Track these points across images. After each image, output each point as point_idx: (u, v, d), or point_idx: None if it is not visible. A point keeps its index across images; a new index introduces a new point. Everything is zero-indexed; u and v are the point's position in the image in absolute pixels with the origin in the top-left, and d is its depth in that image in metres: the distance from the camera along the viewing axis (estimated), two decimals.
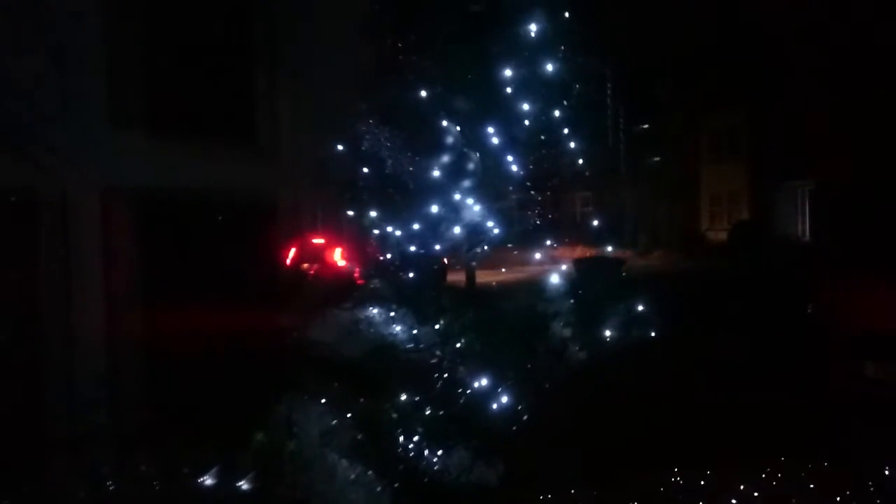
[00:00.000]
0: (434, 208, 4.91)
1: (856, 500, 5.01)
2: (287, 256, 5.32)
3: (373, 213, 5.00)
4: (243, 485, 4.24)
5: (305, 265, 5.17)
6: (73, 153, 4.74)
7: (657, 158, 8.21)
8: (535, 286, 5.11)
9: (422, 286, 4.94)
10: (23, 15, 4.62)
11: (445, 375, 4.54)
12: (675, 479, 5.37)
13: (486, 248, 5.04)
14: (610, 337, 5.14)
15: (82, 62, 4.79)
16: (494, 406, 4.65)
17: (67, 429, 4.71)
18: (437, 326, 4.76)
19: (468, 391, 4.57)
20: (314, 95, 5.60)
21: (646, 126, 7.94)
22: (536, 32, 5.11)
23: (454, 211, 4.94)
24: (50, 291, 4.83)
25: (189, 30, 5.50)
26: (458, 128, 5.01)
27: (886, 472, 5.38)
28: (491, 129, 5.02)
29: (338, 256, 5.13)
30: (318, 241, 5.23)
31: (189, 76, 5.51)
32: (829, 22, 10.20)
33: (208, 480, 4.23)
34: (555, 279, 5.04)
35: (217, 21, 5.67)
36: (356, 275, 5.09)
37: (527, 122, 5.12)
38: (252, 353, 4.87)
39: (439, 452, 4.43)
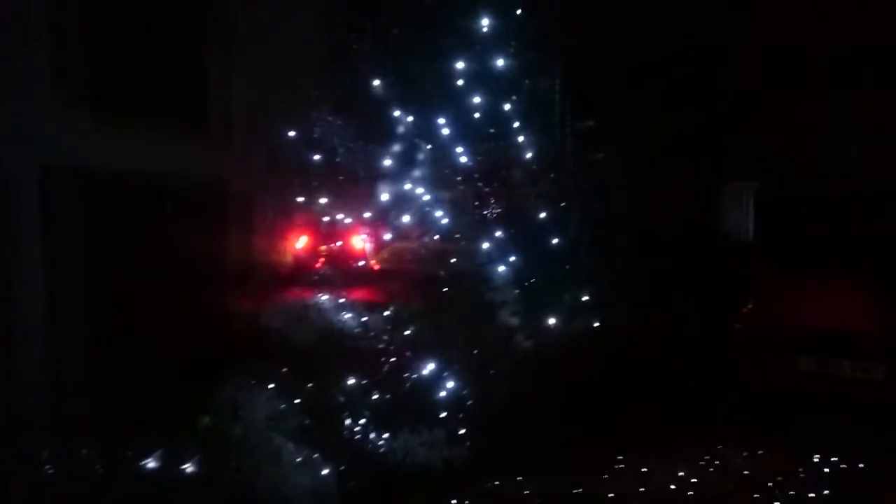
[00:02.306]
0: (384, 196, 4.96)
1: (787, 485, 5.20)
2: (296, 242, 5.31)
3: (322, 200, 5.02)
4: (188, 468, 4.19)
5: (322, 248, 5.15)
6: (13, 130, 4.62)
7: (601, 155, 8.37)
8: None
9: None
10: None
11: (392, 361, 4.58)
12: (618, 465, 5.48)
13: (434, 237, 5.10)
14: (554, 325, 5.26)
15: (26, 38, 4.68)
16: (441, 392, 4.71)
17: (7, 413, 4.60)
18: (385, 314, 4.81)
19: (415, 376, 4.62)
20: (267, 82, 5.58)
21: (592, 123, 8.08)
22: (488, 27, 5.20)
23: (404, 199, 4.99)
24: None
25: (140, 9, 5.43)
26: (410, 118, 5.07)
27: (816, 459, 5.59)
28: (442, 121, 5.09)
29: (356, 242, 5.15)
30: (338, 227, 5.25)
31: (138, 58, 5.41)
32: (774, 31, 10.52)
33: (152, 464, 4.17)
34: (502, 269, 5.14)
35: (170, 2, 5.60)
36: (371, 260, 5.12)
37: (476, 115, 5.20)
38: (199, 337, 4.82)
39: (385, 436, 4.46)
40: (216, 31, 5.80)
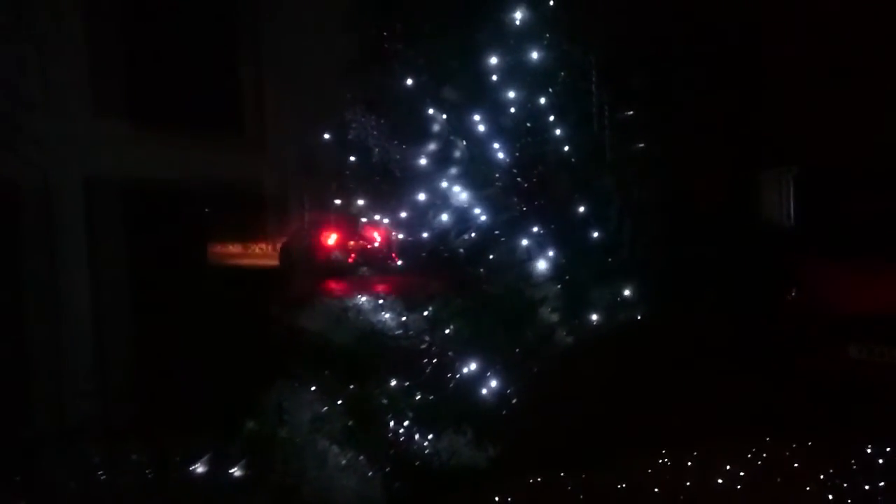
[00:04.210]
0: (421, 196, 4.95)
1: (839, 478, 5.10)
2: (326, 238, 5.39)
3: (360, 202, 5.04)
4: (235, 472, 4.25)
5: (351, 243, 5.24)
6: (56, 142, 4.71)
7: (641, 145, 8.26)
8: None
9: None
10: (4, 3, 4.58)
11: (434, 361, 4.58)
12: (663, 459, 5.43)
13: (472, 234, 5.07)
14: (597, 320, 5.21)
15: (64, 50, 4.76)
16: (483, 390, 4.70)
17: (58, 420, 4.72)
18: (425, 313, 4.80)
19: (457, 376, 4.62)
20: (300, 85, 5.60)
21: (630, 113, 7.97)
22: (521, 20, 5.14)
23: (441, 198, 4.97)
24: (36, 282, 4.81)
25: (173, 18, 5.48)
26: (444, 116, 5.04)
27: (869, 450, 5.47)
28: (477, 117, 5.05)
29: (375, 235, 5.22)
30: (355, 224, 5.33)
31: (172, 65, 5.48)
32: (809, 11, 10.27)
33: (200, 468, 4.24)
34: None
35: (201, 9, 5.64)
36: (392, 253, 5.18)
37: (512, 110, 5.15)
38: (242, 341, 4.88)
39: (429, 437, 4.47)
40: (248, 37, 5.84)
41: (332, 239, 5.27)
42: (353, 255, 5.27)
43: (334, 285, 5.01)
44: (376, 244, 5.26)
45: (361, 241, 5.28)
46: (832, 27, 9.88)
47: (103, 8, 5.06)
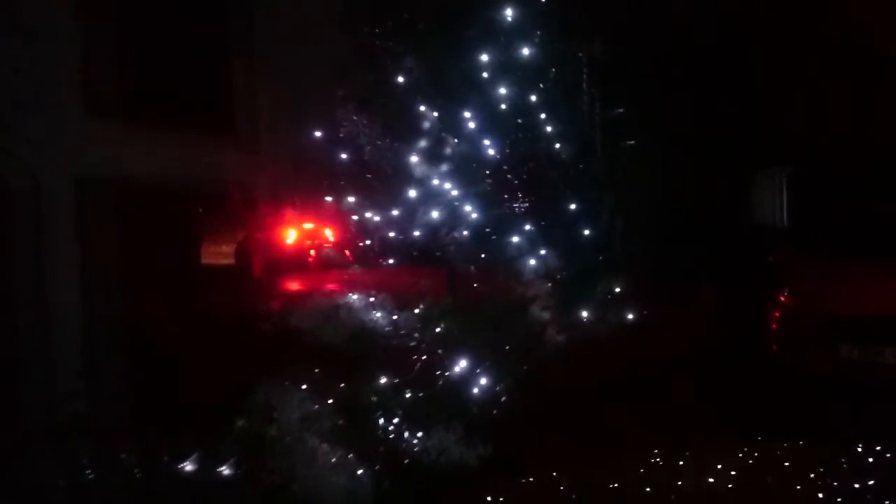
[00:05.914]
0: (412, 193, 4.94)
1: (829, 477, 5.10)
2: (283, 238, 5.40)
3: (351, 199, 5.03)
4: (224, 471, 4.23)
5: (308, 243, 5.25)
6: (46, 142, 4.69)
7: (632, 142, 8.27)
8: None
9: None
10: None
11: (424, 358, 4.57)
12: (655, 459, 5.42)
13: (464, 232, 5.07)
14: (587, 318, 5.21)
15: (56, 50, 4.73)
16: (474, 388, 4.69)
17: (47, 419, 4.68)
18: (416, 311, 4.80)
19: (447, 374, 4.60)
20: (291, 83, 5.59)
21: (621, 111, 7.96)
22: (513, 17, 5.14)
23: (432, 195, 4.97)
24: (25, 282, 4.78)
25: (164, 17, 5.47)
26: (436, 113, 5.04)
27: (859, 450, 5.47)
28: (468, 114, 5.04)
29: (328, 235, 5.23)
30: (309, 224, 5.33)
31: (164, 64, 5.46)
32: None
33: (189, 467, 4.22)
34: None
35: (192, 9, 5.63)
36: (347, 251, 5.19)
37: (503, 107, 5.15)
38: (231, 339, 4.86)
39: (419, 434, 4.46)
40: (240, 35, 5.82)
41: (290, 238, 5.28)
42: (311, 254, 5.28)
43: (291, 284, 5.01)
44: (333, 242, 5.27)
45: (320, 240, 5.29)
46: (827, 26, 9.91)
47: (95, 5, 5.04)
